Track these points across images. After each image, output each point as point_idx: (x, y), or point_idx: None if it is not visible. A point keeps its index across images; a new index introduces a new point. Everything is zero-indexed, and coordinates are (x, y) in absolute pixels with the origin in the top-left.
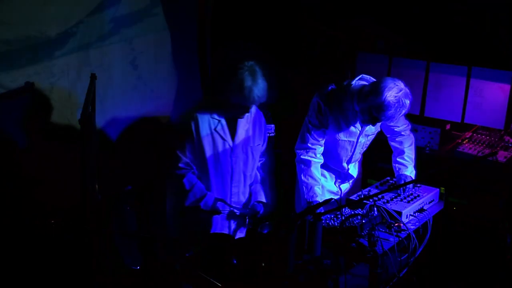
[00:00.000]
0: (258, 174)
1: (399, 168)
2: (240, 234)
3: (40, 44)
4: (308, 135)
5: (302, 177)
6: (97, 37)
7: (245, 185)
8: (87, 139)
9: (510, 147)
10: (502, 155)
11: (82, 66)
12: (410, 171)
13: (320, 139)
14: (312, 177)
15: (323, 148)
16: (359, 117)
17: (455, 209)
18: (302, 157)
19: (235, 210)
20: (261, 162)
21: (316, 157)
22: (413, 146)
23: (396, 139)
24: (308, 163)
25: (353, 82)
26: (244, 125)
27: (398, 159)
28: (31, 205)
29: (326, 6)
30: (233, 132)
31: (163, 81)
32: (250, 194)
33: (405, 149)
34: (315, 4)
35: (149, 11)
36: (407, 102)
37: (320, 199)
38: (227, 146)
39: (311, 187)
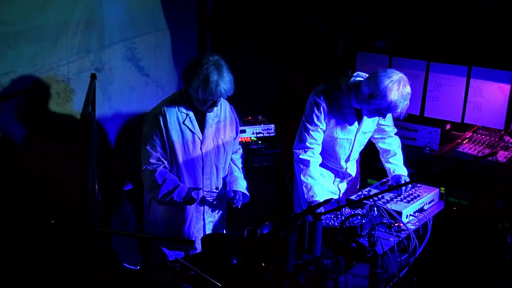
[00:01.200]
0: (233, 166)
1: (394, 169)
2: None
3: (40, 45)
4: (305, 134)
5: (302, 177)
6: (97, 38)
7: (218, 177)
8: (87, 139)
9: (510, 147)
10: (502, 155)
11: (83, 66)
12: (404, 171)
13: (318, 138)
14: (311, 177)
15: (321, 147)
16: (365, 113)
17: (455, 209)
18: (300, 157)
19: (208, 198)
20: (234, 154)
21: (314, 156)
22: (401, 148)
23: (386, 141)
24: (306, 163)
25: (350, 80)
26: (213, 118)
27: (391, 160)
28: (31, 205)
29: (326, 6)
30: (202, 125)
31: (163, 81)
32: (225, 185)
33: (396, 150)
34: (315, 4)
35: (149, 11)
36: (409, 90)
37: (320, 198)
38: (197, 139)
39: (310, 187)
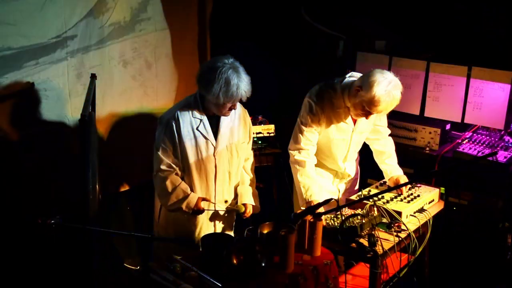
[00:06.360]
0: (245, 175)
1: (391, 170)
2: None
3: (40, 45)
4: (300, 136)
5: (299, 177)
6: (97, 37)
7: (230, 183)
8: (87, 139)
9: (510, 147)
10: (502, 155)
11: (82, 66)
12: (400, 172)
13: (312, 140)
14: (308, 177)
15: (315, 148)
16: (352, 111)
17: (455, 209)
18: (295, 157)
19: (220, 211)
20: (247, 161)
21: (309, 157)
22: (394, 149)
23: (380, 142)
24: (302, 163)
25: (344, 80)
26: (227, 123)
27: (387, 161)
28: (31, 205)
29: (326, 6)
30: (215, 130)
31: (163, 81)
32: (236, 195)
33: (391, 151)
34: (315, 4)
35: (149, 11)
36: (398, 94)
37: (318, 197)
38: (210, 145)
39: (308, 187)
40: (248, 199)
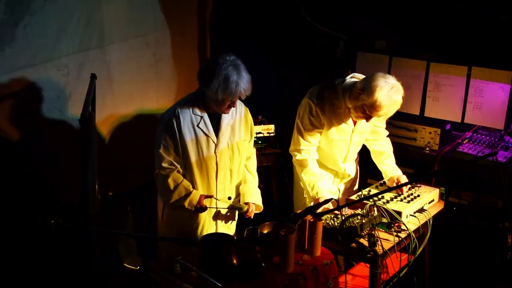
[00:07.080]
0: (247, 174)
1: (390, 170)
2: (228, 231)
3: (40, 44)
4: (300, 137)
5: (303, 176)
6: (97, 37)
7: (232, 182)
8: (87, 139)
9: (510, 147)
10: (502, 155)
11: (82, 66)
12: (399, 172)
13: (312, 141)
14: (312, 174)
15: (316, 147)
16: (352, 113)
17: (455, 209)
18: (297, 158)
19: (222, 209)
20: (249, 160)
21: (310, 155)
22: (392, 149)
23: (379, 143)
24: (304, 163)
25: (345, 81)
26: (228, 121)
27: (386, 161)
28: (31, 205)
29: (326, 6)
30: (216, 127)
31: (163, 81)
32: (237, 194)
33: (389, 152)
34: (315, 4)
35: (149, 11)
36: (399, 99)
37: (325, 194)
38: (211, 143)
39: (314, 185)
40: (250, 198)
